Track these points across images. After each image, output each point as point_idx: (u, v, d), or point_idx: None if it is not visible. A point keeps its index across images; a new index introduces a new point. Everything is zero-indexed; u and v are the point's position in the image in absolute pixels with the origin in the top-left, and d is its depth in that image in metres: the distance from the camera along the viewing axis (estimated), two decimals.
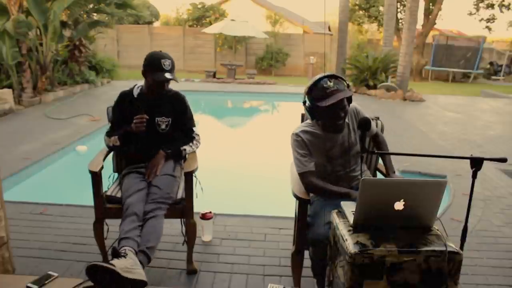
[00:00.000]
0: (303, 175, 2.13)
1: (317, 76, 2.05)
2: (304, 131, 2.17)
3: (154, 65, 2.38)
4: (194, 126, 2.67)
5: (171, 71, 2.41)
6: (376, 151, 2.33)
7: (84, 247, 2.70)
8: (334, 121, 2.09)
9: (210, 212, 2.74)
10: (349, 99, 2.10)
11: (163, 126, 2.53)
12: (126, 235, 2.05)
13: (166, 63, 2.38)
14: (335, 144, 2.17)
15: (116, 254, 1.92)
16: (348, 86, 2.06)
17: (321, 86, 2.00)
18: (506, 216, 3.46)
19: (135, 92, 2.54)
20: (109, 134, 2.54)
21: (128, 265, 1.87)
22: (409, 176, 4.35)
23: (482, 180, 4.24)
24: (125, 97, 2.56)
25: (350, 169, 2.21)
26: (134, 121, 2.38)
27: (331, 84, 1.99)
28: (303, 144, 2.14)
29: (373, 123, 2.30)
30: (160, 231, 2.17)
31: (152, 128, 2.48)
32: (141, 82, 2.57)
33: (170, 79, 2.41)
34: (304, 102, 2.11)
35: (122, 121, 2.50)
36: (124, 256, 1.92)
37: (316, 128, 2.17)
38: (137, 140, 2.48)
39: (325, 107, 1.98)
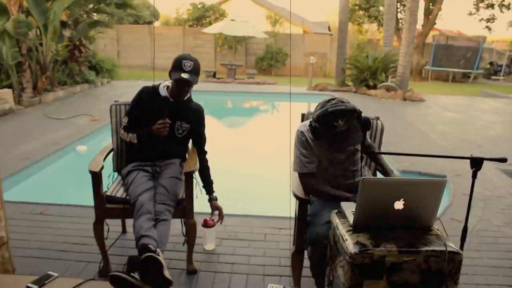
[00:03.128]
0: (303, 176, 2.12)
1: (330, 107, 1.90)
2: (309, 130, 2.14)
3: (175, 65, 2.37)
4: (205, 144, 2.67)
5: (191, 72, 2.37)
6: (376, 151, 2.33)
7: (84, 247, 2.70)
8: (335, 150, 2.11)
9: (213, 219, 2.66)
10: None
11: (180, 131, 2.54)
12: (146, 233, 2.05)
13: (187, 64, 2.35)
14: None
15: (148, 250, 1.93)
16: (360, 116, 1.95)
17: (331, 122, 1.89)
18: (506, 216, 3.46)
19: (162, 91, 2.50)
20: (126, 129, 2.50)
21: (164, 263, 1.92)
22: (409, 176, 4.35)
23: (482, 180, 4.24)
24: (147, 93, 2.52)
25: (351, 173, 2.20)
26: (158, 126, 2.37)
27: (341, 123, 1.88)
28: (307, 144, 2.11)
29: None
30: (169, 234, 2.20)
31: (171, 131, 2.45)
32: (168, 81, 2.54)
33: (186, 79, 2.35)
34: (310, 124, 2.05)
35: (141, 117, 2.48)
36: (158, 254, 1.94)
37: None
38: (152, 140, 2.45)
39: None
